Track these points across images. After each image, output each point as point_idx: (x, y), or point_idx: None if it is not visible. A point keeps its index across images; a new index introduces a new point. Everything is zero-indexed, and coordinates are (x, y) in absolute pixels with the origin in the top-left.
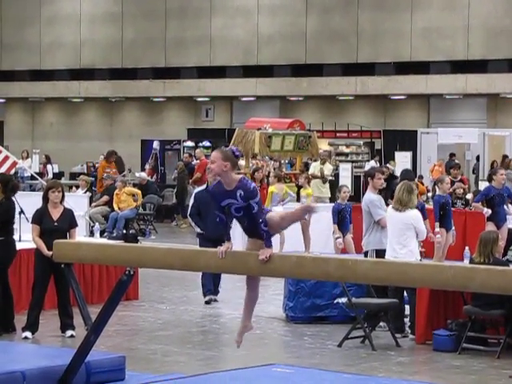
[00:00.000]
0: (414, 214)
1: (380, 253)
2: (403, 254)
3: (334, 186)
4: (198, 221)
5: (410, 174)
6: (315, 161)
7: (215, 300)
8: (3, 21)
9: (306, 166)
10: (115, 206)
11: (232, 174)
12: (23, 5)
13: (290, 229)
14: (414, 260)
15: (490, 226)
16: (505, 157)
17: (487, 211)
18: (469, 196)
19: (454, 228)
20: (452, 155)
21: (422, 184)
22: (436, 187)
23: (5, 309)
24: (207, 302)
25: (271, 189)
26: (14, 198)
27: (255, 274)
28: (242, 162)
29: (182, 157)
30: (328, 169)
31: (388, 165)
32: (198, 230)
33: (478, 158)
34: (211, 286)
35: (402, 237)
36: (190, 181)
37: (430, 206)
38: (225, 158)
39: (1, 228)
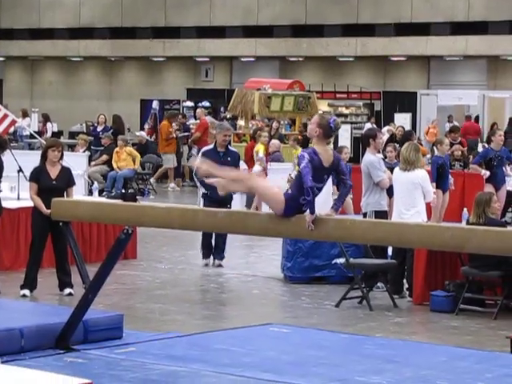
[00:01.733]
0: (422, 174)
1: (379, 214)
2: (410, 215)
3: (334, 147)
4: (203, 181)
5: (411, 135)
6: None
7: (220, 265)
8: None
9: (306, 127)
10: (114, 165)
11: (322, 142)
12: None
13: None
14: (421, 221)
15: (489, 188)
16: None
17: (485, 173)
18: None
19: (452, 180)
20: (449, 117)
21: (422, 145)
22: (434, 148)
23: None
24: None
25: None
26: (12, 156)
27: (253, 234)
28: (241, 122)
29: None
30: None
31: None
32: (203, 190)
33: (476, 119)
34: (210, 249)
35: (409, 197)
36: (189, 140)
37: (428, 167)
38: (317, 124)
39: None
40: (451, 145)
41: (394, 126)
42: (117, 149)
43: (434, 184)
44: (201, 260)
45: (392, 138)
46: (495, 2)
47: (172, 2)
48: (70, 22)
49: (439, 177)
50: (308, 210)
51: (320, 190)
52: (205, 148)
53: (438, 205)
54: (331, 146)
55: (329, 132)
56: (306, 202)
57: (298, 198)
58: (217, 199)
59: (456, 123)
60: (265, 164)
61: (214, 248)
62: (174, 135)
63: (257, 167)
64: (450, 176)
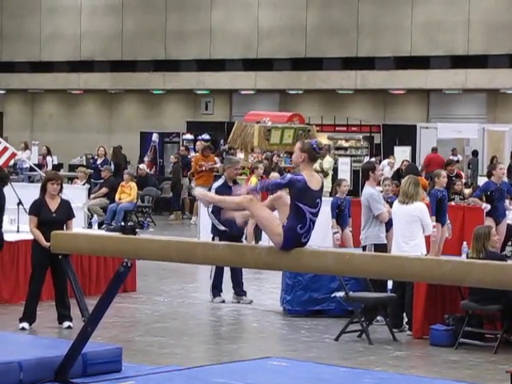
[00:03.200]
0: (421, 207)
1: (378, 247)
2: (409, 247)
3: (334, 180)
4: (219, 218)
5: (415, 169)
6: None
7: (251, 301)
8: (3, 11)
9: None
10: (117, 197)
11: (308, 167)
12: None
13: None
14: (420, 254)
15: (489, 222)
16: None
17: (486, 206)
18: (467, 191)
19: (449, 222)
20: (453, 150)
21: (426, 179)
22: (433, 182)
23: None
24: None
25: (252, 180)
26: (12, 189)
27: (252, 267)
28: (240, 155)
29: (179, 149)
30: (327, 162)
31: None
32: (222, 227)
33: (474, 153)
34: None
35: (407, 230)
36: (189, 173)
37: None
38: (301, 149)
39: None
40: (449, 178)
41: (394, 159)
42: (123, 182)
43: (434, 217)
44: (200, 292)
45: (398, 172)
46: (495, 35)
47: (172, 35)
48: (70, 55)
49: (438, 210)
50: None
51: (315, 215)
52: (215, 184)
53: (437, 238)
54: (329, 178)
55: (313, 154)
56: (260, 185)
57: (296, 228)
58: (233, 235)
59: (460, 156)
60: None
61: (234, 285)
62: (204, 168)
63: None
64: (449, 221)
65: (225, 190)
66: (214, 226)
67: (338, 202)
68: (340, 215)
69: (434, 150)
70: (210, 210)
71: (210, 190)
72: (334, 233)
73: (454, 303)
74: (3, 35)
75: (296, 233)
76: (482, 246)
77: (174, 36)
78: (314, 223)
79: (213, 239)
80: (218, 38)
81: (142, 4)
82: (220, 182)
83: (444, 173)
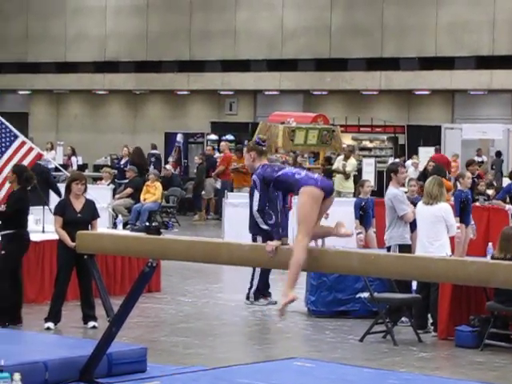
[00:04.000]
0: (445, 207)
1: (403, 248)
2: (434, 248)
3: (357, 181)
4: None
5: (442, 170)
6: (339, 155)
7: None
8: (29, 13)
9: (329, 161)
10: (142, 197)
11: (262, 160)
12: None
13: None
14: (445, 254)
15: None
16: None
17: (509, 208)
18: (490, 191)
19: (473, 222)
20: (478, 150)
21: (449, 180)
22: (457, 183)
23: (14, 301)
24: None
25: None
26: (37, 188)
27: (277, 268)
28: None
29: (204, 150)
30: (351, 164)
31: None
32: (265, 226)
33: (497, 154)
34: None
35: (432, 230)
36: (213, 174)
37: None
38: (248, 150)
39: (14, 219)
40: (473, 179)
41: (418, 159)
42: (148, 182)
43: (458, 218)
44: (223, 292)
45: (424, 172)
46: None
47: (196, 36)
48: (95, 55)
49: (462, 211)
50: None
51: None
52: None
53: (461, 239)
54: (351, 179)
55: (259, 149)
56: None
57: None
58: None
59: (485, 157)
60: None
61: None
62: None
63: None
64: (473, 222)
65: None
66: (256, 225)
67: (361, 202)
68: (363, 216)
69: (437, 149)
70: (256, 208)
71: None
72: (358, 233)
73: (479, 304)
74: (29, 36)
75: (302, 177)
76: (510, 247)
77: (199, 36)
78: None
79: (254, 239)
80: (243, 38)
81: (166, 4)
82: None
83: (469, 174)
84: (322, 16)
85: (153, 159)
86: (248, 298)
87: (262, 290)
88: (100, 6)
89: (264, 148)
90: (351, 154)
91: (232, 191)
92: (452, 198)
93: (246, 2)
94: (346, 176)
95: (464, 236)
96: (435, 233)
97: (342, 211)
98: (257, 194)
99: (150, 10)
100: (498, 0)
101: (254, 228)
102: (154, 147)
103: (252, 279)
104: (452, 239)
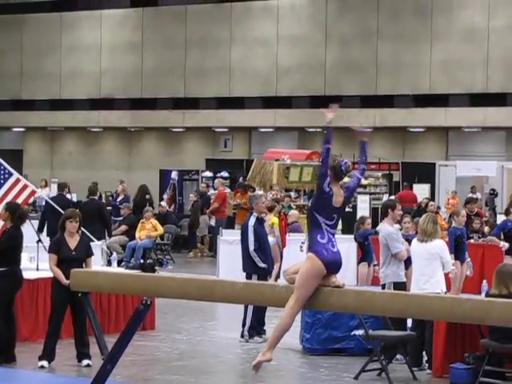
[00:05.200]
0: (440, 244)
1: (398, 285)
2: (429, 285)
3: (353, 217)
4: (261, 256)
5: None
6: None
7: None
8: (24, 49)
9: None
10: (137, 234)
11: (336, 184)
12: (44, 33)
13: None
14: (440, 291)
15: (509, 260)
16: None
17: (504, 245)
18: (486, 228)
19: (469, 259)
20: (473, 188)
21: (440, 215)
22: (452, 220)
23: (7, 339)
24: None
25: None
26: (31, 226)
27: (271, 305)
28: (259, 193)
29: (199, 187)
30: None
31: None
32: (263, 265)
33: (492, 192)
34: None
35: (427, 267)
36: (207, 211)
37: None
38: (330, 167)
39: (6, 257)
40: (468, 216)
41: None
42: (143, 220)
43: (453, 255)
44: (218, 330)
45: (419, 210)
46: None
47: (192, 73)
48: (90, 92)
49: (457, 248)
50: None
51: (332, 227)
52: (250, 222)
53: (457, 276)
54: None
55: (339, 174)
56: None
57: (316, 238)
58: (270, 271)
59: (479, 194)
60: (277, 235)
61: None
62: (239, 204)
63: (269, 238)
64: (469, 259)
65: (259, 225)
66: (253, 264)
67: (364, 233)
68: (367, 249)
69: (406, 187)
70: (252, 248)
71: (246, 227)
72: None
73: (473, 341)
74: (23, 73)
75: (320, 243)
76: (506, 285)
77: (194, 73)
78: (333, 235)
79: (249, 277)
80: (237, 75)
81: (161, 41)
82: (253, 219)
83: (463, 212)
84: (317, 53)
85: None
86: (242, 335)
87: (256, 328)
88: (95, 43)
89: (342, 176)
90: None
91: (227, 228)
92: (446, 235)
93: (240, 40)
94: None
95: (459, 273)
96: (430, 270)
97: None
98: (251, 235)
99: (145, 47)
100: (492, 37)
101: (251, 267)
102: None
103: (245, 317)
104: (447, 276)
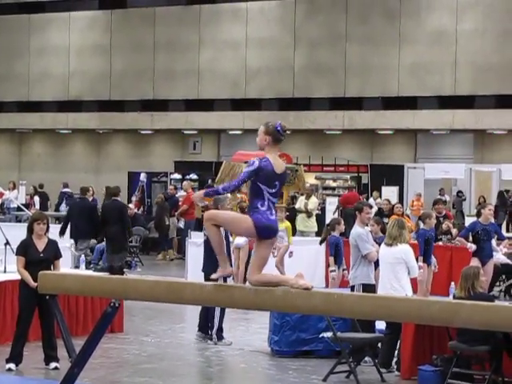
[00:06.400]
0: (405, 249)
1: (367, 287)
2: (393, 289)
3: (321, 219)
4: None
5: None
6: (302, 195)
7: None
8: None
9: (293, 200)
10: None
11: (273, 150)
12: (12, 36)
13: (271, 261)
14: (405, 295)
15: (475, 262)
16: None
17: (471, 246)
18: (454, 231)
19: (433, 257)
20: (441, 190)
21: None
22: (420, 222)
23: None
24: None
25: None
26: None
27: (240, 308)
28: (228, 195)
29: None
30: (312, 203)
31: (375, 199)
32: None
33: (458, 194)
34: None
35: (392, 272)
36: (176, 213)
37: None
38: (267, 132)
39: None
40: (436, 218)
41: (376, 196)
42: None
43: (421, 258)
44: (187, 333)
45: (380, 212)
46: (482, 76)
47: (160, 75)
48: (58, 94)
49: (425, 251)
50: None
51: (274, 196)
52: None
53: (424, 278)
54: (313, 218)
55: (278, 136)
56: (212, 191)
57: (257, 206)
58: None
59: (447, 197)
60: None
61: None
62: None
63: (241, 239)
64: (433, 256)
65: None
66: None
67: (336, 240)
68: (337, 254)
69: (351, 188)
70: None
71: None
72: (331, 271)
73: (442, 344)
74: None
75: (260, 210)
76: (471, 287)
77: (162, 76)
78: (273, 204)
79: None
80: (206, 77)
81: (130, 44)
82: None
83: (434, 214)
84: (286, 55)
85: (65, 197)
86: (211, 338)
87: (222, 330)
88: (63, 46)
89: (282, 138)
90: (312, 192)
91: (196, 230)
92: (414, 237)
93: (209, 42)
94: (308, 215)
95: (426, 276)
96: (395, 274)
97: (304, 250)
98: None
99: (113, 50)
100: (460, 41)
101: (212, 267)
102: (66, 186)
103: (212, 318)
104: (414, 280)
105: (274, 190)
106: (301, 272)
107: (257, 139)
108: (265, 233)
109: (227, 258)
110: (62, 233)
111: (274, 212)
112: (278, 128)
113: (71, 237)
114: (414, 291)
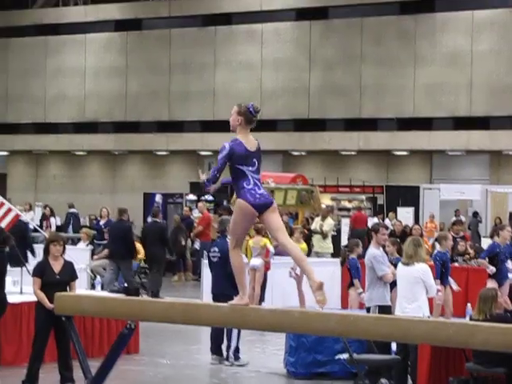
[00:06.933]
0: (423, 268)
1: (383, 309)
2: (411, 309)
3: (337, 240)
4: None
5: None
6: (317, 216)
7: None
8: (9, 73)
9: (308, 221)
10: None
11: (244, 130)
12: (29, 57)
13: (287, 284)
14: (422, 316)
15: (492, 283)
16: None
17: (492, 269)
18: (471, 251)
19: (450, 278)
20: (457, 211)
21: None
22: (436, 243)
23: None
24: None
25: (249, 242)
26: (16, 250)
27: (256, 329)
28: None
29: (183, 210)
30: (328, 224)
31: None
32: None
33: (474, 215)
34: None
35: (410, 291)
36: (192, 234)
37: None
38: (239, 112)
39: None
40: (454, 239)
41: (392, 217)
42: None
43: (439, 281)
44: (203, 354)
45: (392, 234)
46: (497, 97)
47: (176, 97)
48: (74, 116)
49: (442, 273)
50: None
51: (256, 173)
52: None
53: (441, 302)
54: (329, 239)
55: (250, 117)
56: (205, 184)
57: (243, 185)
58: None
59: (463, 218)
60: (272, 252)
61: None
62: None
63: (258, 260)
64: (451, 279)
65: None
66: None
67: (357, 263)
68: (357, 276)
69: (358, 208)
70: None
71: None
72: (360, 293)
73: (458, 366)
74: (8, 97)
75: (246, 188)
76: (489, 309)
77: (178, 97)
78: (258, 180)
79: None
80: (221, 98)
81: (145, 65)
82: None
83: (450, 236)
84: (301, 77)
85: (72, 218)
86: (228, 358)
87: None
88: (79, 67)
89: (254, 119)
90: (328, 213)
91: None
92: (431, 259)
93: (224, 63)
94: (324, 236)
95: (444, 296)
96: (413, 293)
97: (320, 271)
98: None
99: (129, 71)
100: (475, 62)
101: (229, 289)
102: (72, 206)
103: (229, 338)
104: (431, 300)
105: (253, 168)
106: (322, 282)
107: (230, 119)
108: (261, 206)
109: (247, 287)
110: (110, 256)
111: (260, 186)
112: (251, 109)
113: (111, 257)
114: (430, 312)
